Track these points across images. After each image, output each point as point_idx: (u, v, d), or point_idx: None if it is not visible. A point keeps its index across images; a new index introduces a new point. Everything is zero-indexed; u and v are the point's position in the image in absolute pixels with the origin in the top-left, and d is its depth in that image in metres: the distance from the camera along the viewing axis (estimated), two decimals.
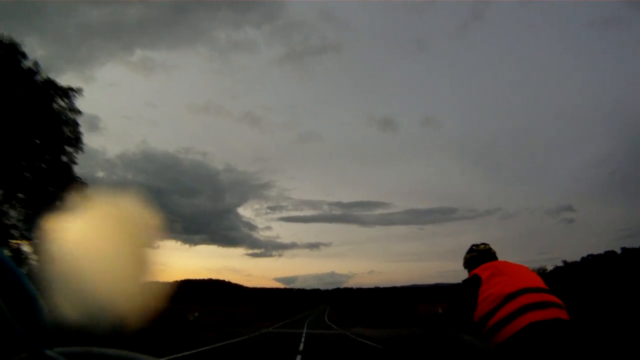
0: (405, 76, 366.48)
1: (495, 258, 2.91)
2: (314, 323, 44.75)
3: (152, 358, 0.85)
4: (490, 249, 2.98)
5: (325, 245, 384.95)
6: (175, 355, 11.07)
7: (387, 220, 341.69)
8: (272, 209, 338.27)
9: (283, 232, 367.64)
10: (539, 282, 2.49)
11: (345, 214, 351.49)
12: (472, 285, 2.58)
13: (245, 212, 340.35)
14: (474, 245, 3.04)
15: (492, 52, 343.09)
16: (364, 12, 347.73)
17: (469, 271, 2.93)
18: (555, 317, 2.23)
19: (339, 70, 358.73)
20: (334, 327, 37.47)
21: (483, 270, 2.61)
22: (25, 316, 0.65)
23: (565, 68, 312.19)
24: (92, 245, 0.91)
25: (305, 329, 30.94)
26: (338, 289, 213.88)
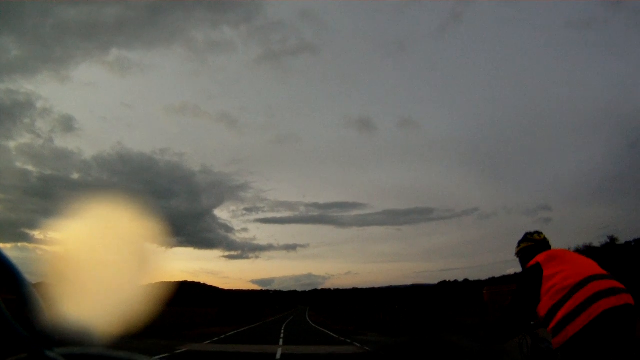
0: (383, 77, 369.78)
1: (550, 248, 2.78)
2: (295, 328, 28.34)
3: (149, 358, 0.86)
4: (545, 238, 2.85)
5: (302, 246, 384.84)
6: None
7: (364, 221, 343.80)
8: (249, 210, 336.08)
9: (260, 233, 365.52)
10: (601, 269, 2.41)
11: (322, 215, 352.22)
12: (534, 275, 2.46)
13: (222, 213, 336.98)
14: (528, 233, 2.91)
15: (472, 53, 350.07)
16: (343, 12, 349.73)
17: (522, 261, 2.84)
18: (625, 303, 2.17)
19: (317, 71, 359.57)
20: (333, 335, 20.74)
21: (544, 259, 2.49)
22: (25, 317, 0.65)
23: (545, 69, 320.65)
24: (72, 249, 0.89)
25: (281, 341, 16.22)
26: (315, 290, 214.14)
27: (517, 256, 2.89)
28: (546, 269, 2.40)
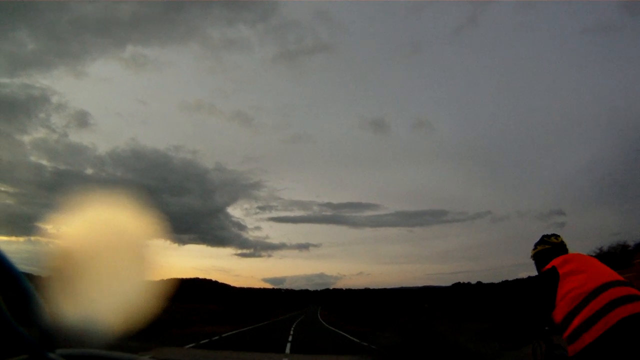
0: (398, 78, 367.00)
1: (567, 252, 2.70)
2: (306, 329, 25.78)
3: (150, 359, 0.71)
4: (563, 242, 2.77)
5: (315, 246, 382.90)
6: None
7: (377, 222, 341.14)
8: (262, 209, 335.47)
9: (272, 232, 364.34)
10: (618, 276, 2.34)
11: (335, 215, 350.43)
12: (550, 280, 2.37)
13: (235, 211, 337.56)
14: (545, 236, 2.83)
15: (486, 55, 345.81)
16: (359, 13, 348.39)
17: (538, 265, 2.77)
18: None
19: (332, 71, 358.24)
20: (351, 338, 18.29)
21: (560, 264, 2.42)
22: (26, 318, 0.64)
23: (559, 73, 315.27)
24: (83, 245, 0.89)
25: (288, 347, 13.74)
26: (327, 290, 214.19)
27: (533, 259, 2.83)
28: (562, 274, 2.34)
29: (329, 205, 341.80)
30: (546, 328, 2.66)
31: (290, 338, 17.31)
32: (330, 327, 28.76)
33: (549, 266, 2.46)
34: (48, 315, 0.67)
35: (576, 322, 2.14)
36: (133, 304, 0.91)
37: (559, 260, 2.45)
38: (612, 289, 2.16)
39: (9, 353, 0.64)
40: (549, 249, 2.71)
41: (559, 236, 2.77)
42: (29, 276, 0.69)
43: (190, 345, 12.84)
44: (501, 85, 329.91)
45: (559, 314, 2.25)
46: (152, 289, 0.97)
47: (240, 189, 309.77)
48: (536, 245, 2.81)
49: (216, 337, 16.26)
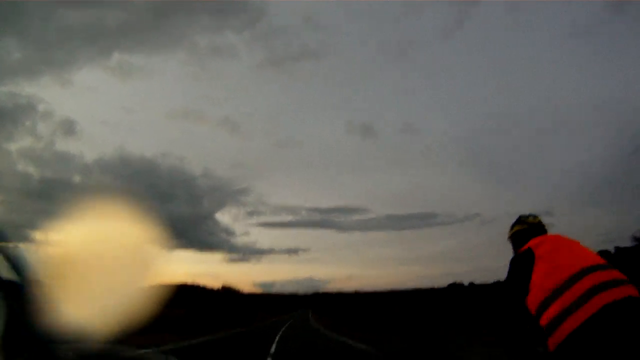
0: (385, 82, 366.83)
1: (546, 233, 2.52)
2: (298, 341, 17.70)
3: (148, 351, 0.77)
4: (541, 222, 2.59)
5: (304, 250, 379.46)
6: None
7: (366, 226, 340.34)
8: (250, 214, 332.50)
9: (261, 237, 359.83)
10: (601, 258, 2.15)
11: (324, 220, 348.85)
12: (524, 263, 2.20)
13: (223, 217, 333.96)
14: (522, 216, 2.66)
15: (474, 58, 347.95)
16: (345, 18, 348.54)
17: (515, 246, 2.59)
18: (627, 296, 1.91)
19: (320, 76, 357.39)
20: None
21: (537, 245, 2.24)
22: (25, 316, 0.66)
23: (548, 74, 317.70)
24: (71, 252, 0.87)
25: None
26: (317, 293, 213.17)
27: (510, 240, 2.67)
28: (539, 255, 2.17)
29: (317, 209, 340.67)
30: (525, 317, 2.41)
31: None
32: (331, 334, 21.62)
33: (524, 247, 2.31)
34: (46, 314, 0.69)
35: (553, 309, 1.96)
36: (122, 308, 0.90)
37: (536, 240, 2.31)
38: (593, 272, 2.00)
39: (10, 351, 0.64)
40: (526, 229, 2.55)
41: (537, 216, 2.63)
42: (16, 283, 0.71)
43: None
44: (489, 87, 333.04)
45: (533, 302, 2.08)
46: (139, 296, 0.96)
47: (228, 194, 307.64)
48: (513, 225, 2.66)
49: None
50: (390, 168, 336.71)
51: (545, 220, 2.58)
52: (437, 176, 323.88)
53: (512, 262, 2.38)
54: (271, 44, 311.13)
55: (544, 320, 2.01)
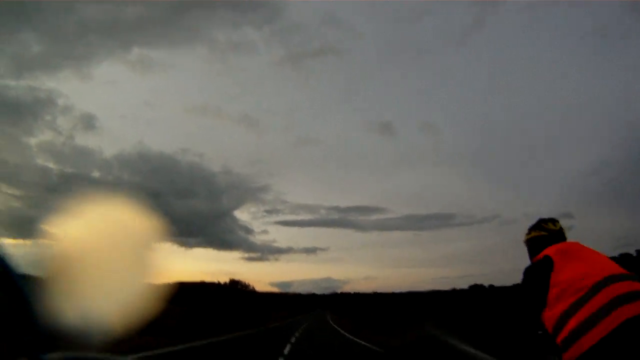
0: (404, 81, 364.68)
1: (565, 240, 2.35)
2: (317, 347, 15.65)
3: None
4: (561, 228, 2.40)
5: (322, 249, 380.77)
6: None
7: (384, 226, 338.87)
8: (269, 212, 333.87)
9: (279, 236, 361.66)
10: (622, 269, 2.00)
11: (342, 219, 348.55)
12: (542, 271, 2.06)
13: (242, 215, 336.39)
14: (541, 220, 2.45)
15: (493, 58, 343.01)
16: (365, 15, 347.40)
17: (531, 252, 2.43)
18: None
19: (339, 73, 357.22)
20: None
21: (555, 253, 2.10)
22: (21, 320, 0.63)
23: (565, 75, 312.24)
24: (89, 248, 0.90)
25: None
26: (335, 294, 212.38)
27: (526, 245, 2.48)
28: (557, 265, 2.01)
29: (336, 208, 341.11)
30: (539, 332, 2.13)
31: None
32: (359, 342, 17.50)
33: (541, 255, 2.16)
34: (44, 318, 0.67)
35: (572, 323, 1.82)
36: (132, 307, 0.92)
37: (553, 248, 2.15)
38: (615, 283, 1.87)
39: (6, 355, 0.63)
40: (544, 236, 2.36)
41: (557, 221, 2.44)
42: (35, 279, 0.71)
43: None
44: (508, 88, 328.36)
45: (550, 314, 1.93)
46: (155, 292, 0.99)
47: (247, 192, 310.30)
48: (530, 229, 2.48)
49: None
50: (409, 167, 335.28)
51: (564, 222, 2.44)
52: (456, 176, 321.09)
53: (528, 272, 2.21)
54: (290, 40, 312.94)
55: (563, 334, 1.85)
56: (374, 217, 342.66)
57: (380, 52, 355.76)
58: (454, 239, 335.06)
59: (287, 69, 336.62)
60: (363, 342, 16.48)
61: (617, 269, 1.98)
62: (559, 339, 1.88)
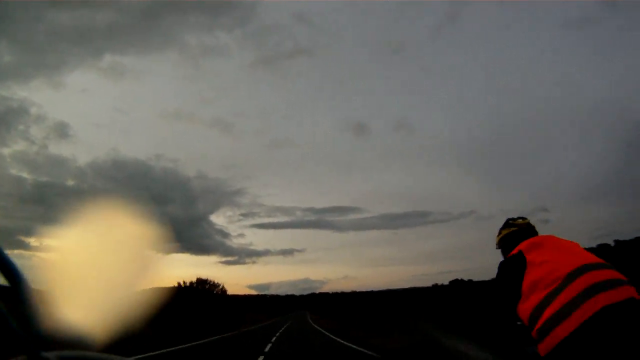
0: (378, 80, 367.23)
1: (537, 234, 2.32)
2: None
3: None
4: (529, 223, 2.40)
5: (299, 251, 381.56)
6: None
7: (361, 225, 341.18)
8: (245, 215, 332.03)
9: (256, 239, 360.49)
10: (597, 258, 1.96)
11: (319, 220, 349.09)
12: (514, 267, 2.02)
13: (218, 219, 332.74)
14: (510, 219, 2.47)
15: (468, 54, 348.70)
16: (337, 15, 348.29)
17: (504, 251, 2.41)
18: (627, 298, 1.73)
19: (313, 74, 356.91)
20: None
21: (528, 247, 2.07)
22: (22, 318, 0.64)
23: (543, 71, 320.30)
24: (67, 257, 0.90)
25: None
26: (313, 294, 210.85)
27: (498, 246, 2.49)
28: (530, 258, 2.00)
29: (312, 210, 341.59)
30: (518, 323, 2.10)
31: None
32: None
33: (514, 251, 2.15)
34: (44, 316, 0.68)
35: (547, 313, 1.79)
36: (118, 312, 0.92)
37: (525, 243, 2.14)
38: (590, 272, 1.83)
39: (6, 353, 0.65)
40: (515, 231, 2.38)
41: (525, 218, 2.45)
42: (9, 289, 0.70)
43: None
44: (483, 84, 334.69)
45: (525, 307, 1.91)
46: (135, 298, 0.99)
47: (222, 196, 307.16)
48: (500, 230, 2.49)
49: None
50: (385, 166, 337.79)
51: (541, 216, 2.67)
52: (431, 174, 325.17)
53: (502, 266, 2.20)
54: (262, 42, 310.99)
55: (538, 325, 1.82)
56: (350, 217, 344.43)
57: (353, 52, 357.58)
58: (431, 235, 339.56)
59: (260, 71, 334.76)
60: (354, 346, 14.88)
61: (592, 259, 1.94)
62: (533, 331, 1.85)
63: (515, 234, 2.35)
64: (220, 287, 33.11)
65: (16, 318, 0.63)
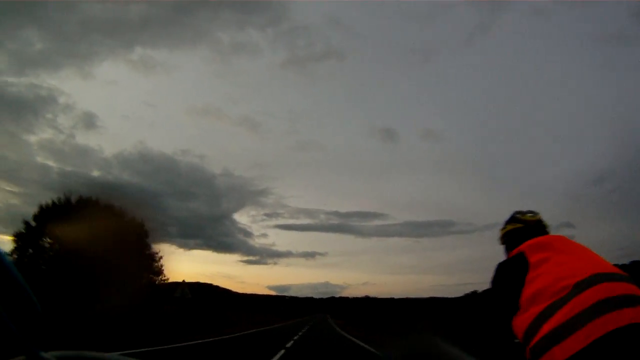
0: (408, 87, 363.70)
1: (546, 234, 1.95)
2: None
3: None
4: (540, 220, 2.04)
5: (321, 254, 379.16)
6: None
7: (384, 232, 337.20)
8: (269, 216, 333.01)
9: (279, 240, 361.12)
10: (613, 267, 1.60)
11: (342, 224, 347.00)
12: (514, 271, 1.70)
13: (241, 218, 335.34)
14: (517, 212, 2.10)
15: (497, 65, 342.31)
16: (370, 19, 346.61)
17: (507, 249, 2.07)
18: None
19: (342, 78, 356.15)
20: None
21: (532, 248, 1.74)
22: (20, 317, 0.64)
23: (571, 83, 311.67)
24: (89, 247, 1.07)
25: None
26: (333, 298, 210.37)
27: (501, 242, 2.14)
28: (533, 262, 1.67)
29: (336, 213, 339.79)
30: (515, 340, 1.71)
31: None
32: None
33: (515, 251, 1.82)
34: (43, 316, 0.68)
35: (545, 329, 1.45)
36: (128, 304, 1.17)
37: (530, 243, 1.79)
38: (603, 283, 1.47)
39: (4, 352, 0.64)
40: (520, 228, 2.03)
41: (536, 213, 2.08)
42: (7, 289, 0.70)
43: None
44: (512, 95, 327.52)
45: (523, 318, 1.57)
46: (145, 292, 1.44)
47: (247, 195, 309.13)
48: (505, 223, 2.14)
49: None
50: (411, 173, 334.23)
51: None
52: (457, 184, 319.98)
53: (499, 269, 1.87)
54: (294, 43, 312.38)
55: (532, 342, 1.50)
56: (375, 222, 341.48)
57: (384, 57, 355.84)
58: (453, 246, 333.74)
59: (290, 72, 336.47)
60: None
61: (607, 267, 1.59)
62: (527, 349, 1.53)
63: (521, 230, 2.01)
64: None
65: (15, 318, 0.63)
